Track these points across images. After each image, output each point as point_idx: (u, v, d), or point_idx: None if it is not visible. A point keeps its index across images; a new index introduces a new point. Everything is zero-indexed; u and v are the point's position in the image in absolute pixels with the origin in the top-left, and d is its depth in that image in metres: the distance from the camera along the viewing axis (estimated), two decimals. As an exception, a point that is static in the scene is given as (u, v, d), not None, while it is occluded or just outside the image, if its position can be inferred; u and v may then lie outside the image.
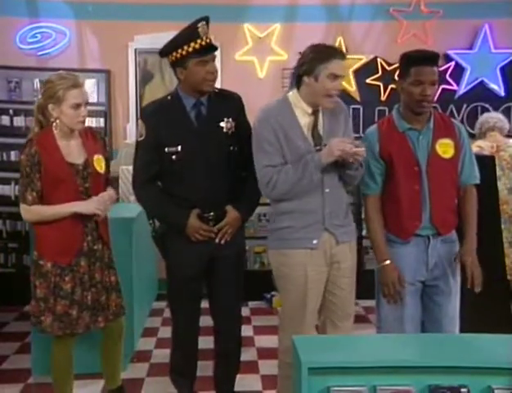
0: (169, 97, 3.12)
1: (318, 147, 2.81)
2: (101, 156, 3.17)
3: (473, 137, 4.55)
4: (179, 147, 3.02)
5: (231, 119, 3.09)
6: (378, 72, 6.03)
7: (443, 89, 5.85)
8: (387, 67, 5.96)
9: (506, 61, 6.08)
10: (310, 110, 2.85)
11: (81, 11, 5.84)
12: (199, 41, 2.94)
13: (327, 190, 2.84)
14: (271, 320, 4.79)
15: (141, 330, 4.72)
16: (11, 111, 5.78)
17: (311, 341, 2.28)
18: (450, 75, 6.04)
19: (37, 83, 5.66)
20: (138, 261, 4.25)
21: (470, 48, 6.08)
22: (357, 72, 6.04)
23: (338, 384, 1.92)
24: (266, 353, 4.22)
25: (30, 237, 3.62)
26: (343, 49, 5.61)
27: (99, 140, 3.26)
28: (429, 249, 2.91)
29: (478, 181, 3.01)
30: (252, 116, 2.97)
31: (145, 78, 5.99)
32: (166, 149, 3.03)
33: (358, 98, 6.04)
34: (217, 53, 3.10)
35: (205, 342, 3.42)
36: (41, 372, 3.81)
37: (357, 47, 6.03)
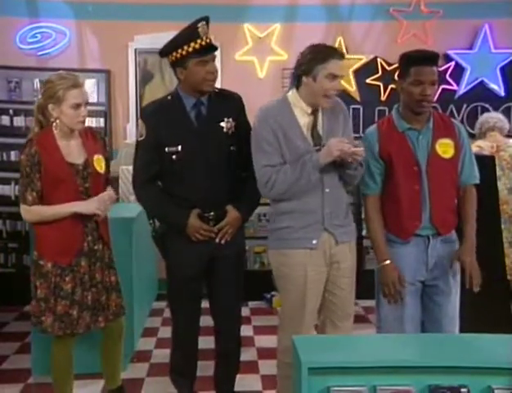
0: (169, 97, 3.12)
1: (317, 147, 2.81)
2: (101, 156, 3.17)
3: (473, 137, 4.55)
4: (179, 147, 3.02)
5: (231, 119, 3.09)
6: (378, 72, 6.03)
7: (443, 89, 5.85)
8: (387, 67, 5.96)
9: (506, 61, 6.08)
10: (309, 110, 2.85)
11: (81, 11, 5.84)
12: (199, 41, 2.94)
13: (327, 190, 2.84)
14: (271, 320, 4.78)
15: (141, 330, 4.72)
16: (11, 111, 5.78)
17: (311, 340, 2.28)
18: (450, 75, 6.04)
19: (37, 83, 5.65)
20: (138, 261, 4.25)
21: (470, 48, 6.08)
22: (357, 72, 6.03)
23: (338, 384, 1.92)
24: (266, 353, 4.22)
25: (30, 237, 3.62)
26: (343, 49, 5.63)
27: (99, 140, 3.26)
28: (429, 249, 2.91)
29: (477, 181, 3.02)
30: (252, 116, 2.97)
31: (145, 78, 5.99)
32: (166, 149, 3.03)
33: (358, 98, 6.04)
34: (217, 53, 3.10)
35: (205, 342, 3.42)
36: (41, 372, 3.81)
37: (357, 47, 6.03)
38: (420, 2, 5.99)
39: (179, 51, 2.96)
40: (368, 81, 6.05)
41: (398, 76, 2.96)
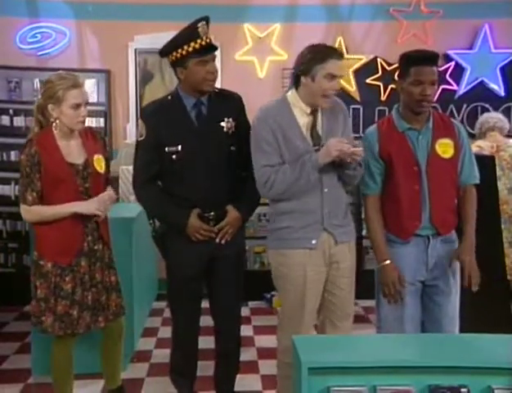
0: (169, 97, 3.12)
1: (317, 147, 2.81)
2: (101, 156, 3.17)
3: (473, 137, 4.55)
4: (179, 147, 3.02)
5: (231, 119, 3.09)
6: (378, 72, 6.03)
7: (443, 89, 5.85)
8: (387, 67, 5.96)
9: (506, 61, 6.08)
10: (309, 110, 2.85)
11: (81, 11, 5.84)
12: (199, 41, 2.95)
13: (326, 190, 2.84)
14: (271, 320, 4.77)
15: (141, 330, 4.72)
16: (11, 111, 5.78)
17: (311, 340, 2.28)
18: (450, 75, 6.04)
19: (37, 83, 5.65)
20: (138, 261, 4.25)
21: (470, 48, 6.08)
22: (357, 72, 6.03)
23: (338, 384, 1.92)
24: (266, 353, 4.22)
25: (30, 237, 3.62)
26: (343, 49, 5.63)
27: (99, 140, 3.26)
28: (429, 249, 2.91)
29: (477, 181, 3.02)
30: (252, 116, 2.97)
31: (145, 78, 5.99)
32: (166, 149, 3.03)
33: (358, 98, 6.04)
34: (217, 53, 3.10)
35: (205, 342, 3.42)
36: (41, 372, 3.81)
37: (357, 47, 6.03)
38: (420, 2, 5.99)
39: (179, 51, 2.96)
40: (368, 81, 6.05)
41: (398, 76, 2.96)
